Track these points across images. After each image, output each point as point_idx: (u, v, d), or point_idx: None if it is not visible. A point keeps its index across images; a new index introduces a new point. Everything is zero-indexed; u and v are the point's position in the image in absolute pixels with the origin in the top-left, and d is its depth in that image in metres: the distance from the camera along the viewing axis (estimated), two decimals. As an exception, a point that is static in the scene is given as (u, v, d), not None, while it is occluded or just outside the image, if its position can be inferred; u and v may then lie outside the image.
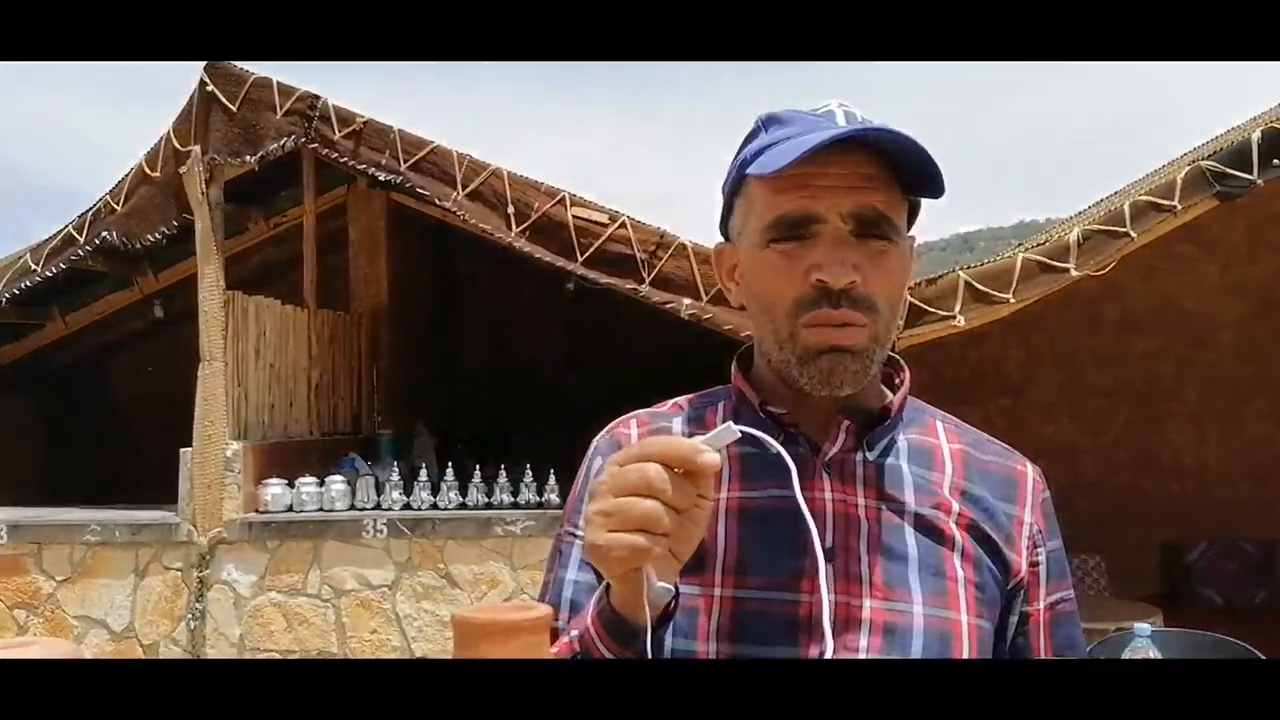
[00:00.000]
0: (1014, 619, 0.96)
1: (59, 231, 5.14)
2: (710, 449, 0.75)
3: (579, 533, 0.97)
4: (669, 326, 4.82)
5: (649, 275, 4.38)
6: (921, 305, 4.04)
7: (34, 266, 5.13)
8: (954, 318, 4.05)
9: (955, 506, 0.93)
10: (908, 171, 0.89)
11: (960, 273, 4.09)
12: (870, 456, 0.94)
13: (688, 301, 4.36)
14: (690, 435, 0.96)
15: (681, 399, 1.05)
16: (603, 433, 1.03)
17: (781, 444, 0.91)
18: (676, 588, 0.82)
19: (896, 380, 1.00)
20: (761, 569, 0.89)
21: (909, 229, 0.95)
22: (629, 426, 1.01)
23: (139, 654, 4.74)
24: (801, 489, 0.89)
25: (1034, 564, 0.96)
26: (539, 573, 4.54)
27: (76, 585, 4.80)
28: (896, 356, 1.01)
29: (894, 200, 0.89)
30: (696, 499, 0.76)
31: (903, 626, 0.88)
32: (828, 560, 0.89)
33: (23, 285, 5.15)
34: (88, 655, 4.48)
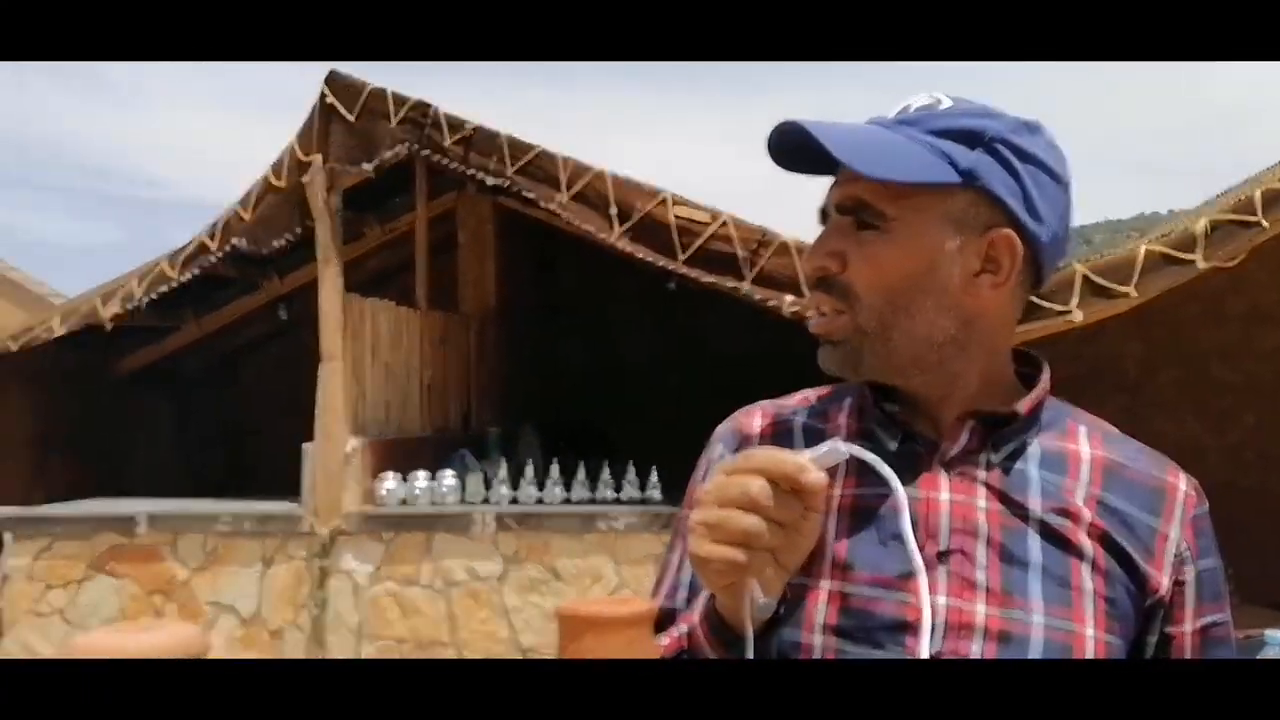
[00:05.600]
0: (1153, 639, 0.90)
1: (193, 240, 5.45)
2: (816, 468, 0.75)
3: None
4: (770, 326, 4.81)
5: (751, 273, 4.38)
6: (1034, 299, 3.92)
7: (170, 273, 5.45)
8: (1070, 312, 3.93)
9: (1087, 515, 0.88)
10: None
11: (1077, 265, 3.97)
12: (995, 459, 0.90)
13: (790, 299, 4.34)
14: (812, 430, 0.96)
15: (810, 392, 1.02)
16: (727, 420, 1.02)
17: (899, 443, 0.91)
18: (784, 594, 0.82)
19: (1037, 380, 0.95)
20: (869, 566, 0.87)
21: (974, 221, 0.87)
22: (752, 416, 1.00)
23: (266, 639, 4.99)
24: (918, 489, 0.88)
25: (1179, 582, 0.90)
26: (642, 569, 4.61)
27: (208, 573, 5.08)
28: (1035, 354, 0.97)
29: (888, 189, 0.87)
30: (803, 512, 0.76)
31: (1019, 635, 0.84)
32: (941, 563, 0.86)
33: (160, 290, 5.48)
34: (214, 640, 4.65)
